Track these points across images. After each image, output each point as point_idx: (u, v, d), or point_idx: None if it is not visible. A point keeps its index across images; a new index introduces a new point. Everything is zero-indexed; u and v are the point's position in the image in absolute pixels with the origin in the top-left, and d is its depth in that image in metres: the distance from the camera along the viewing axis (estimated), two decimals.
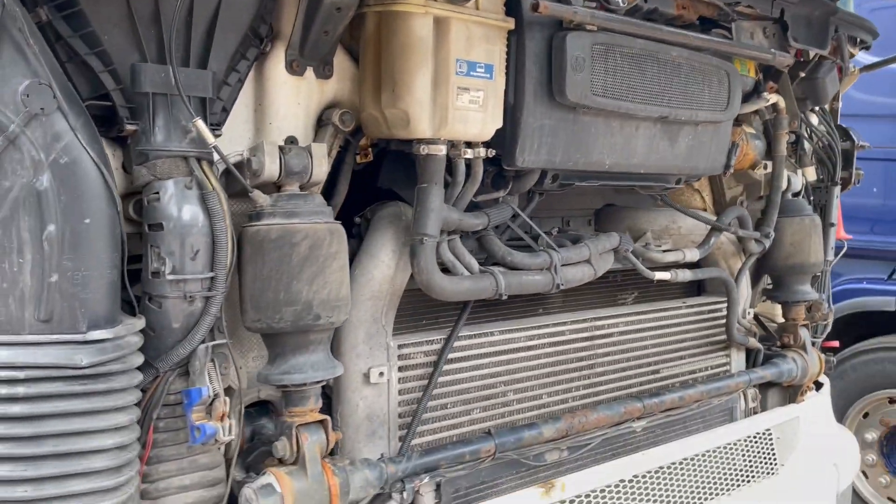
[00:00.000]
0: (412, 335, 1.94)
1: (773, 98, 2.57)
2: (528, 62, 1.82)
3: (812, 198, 3.06)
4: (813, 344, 2.94)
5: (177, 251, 1.44)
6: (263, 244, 1.52)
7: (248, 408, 1.71)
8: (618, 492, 2.20)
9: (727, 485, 2.53)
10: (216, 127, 1.55)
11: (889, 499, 4.31)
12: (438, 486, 1.88)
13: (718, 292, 2.75)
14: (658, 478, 2.32)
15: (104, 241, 1.34)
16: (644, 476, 2.28)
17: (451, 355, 1.96)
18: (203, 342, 1.49)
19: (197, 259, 1.46)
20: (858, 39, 2.86)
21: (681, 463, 2.40)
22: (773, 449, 2.75)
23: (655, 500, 2.30)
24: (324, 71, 1.77)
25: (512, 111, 1.84)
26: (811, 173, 3.01)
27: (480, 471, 1.97)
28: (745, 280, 2.74)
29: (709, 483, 2.48)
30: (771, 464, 2.73)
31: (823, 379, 3.09)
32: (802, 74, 2.75)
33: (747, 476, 2.61)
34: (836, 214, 3.13)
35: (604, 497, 2.16)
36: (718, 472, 2.52)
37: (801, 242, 2.77)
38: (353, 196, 1.91)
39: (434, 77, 1.70)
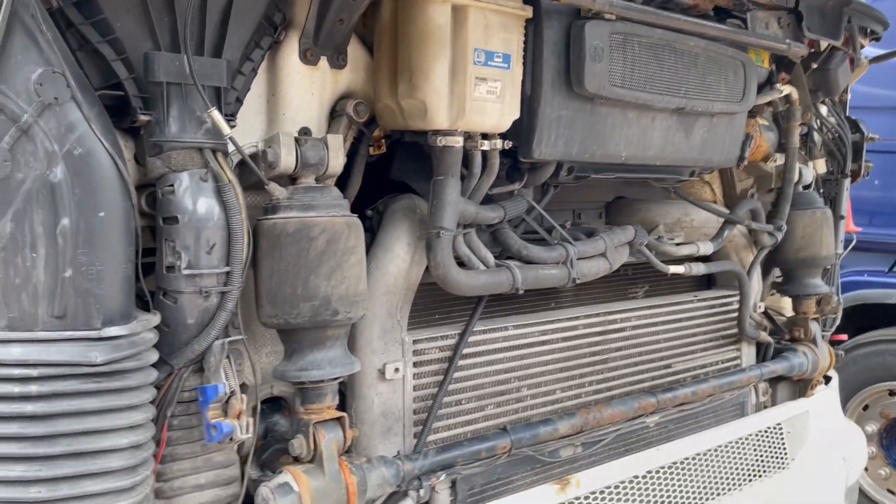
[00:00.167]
0: (426, 330, 1.91)
1: (787, 89, 2.54)
2: (545, 52, 1.79)
3: (822, 190, 3.03)
4: (822, 337, 2.92)
5: (192, 245, 1.41)
6: (280, 238, 1.49)
7: (261, 404, 1.68)
8: (632, 488, 2.18)
9: (739, 480, 2.52)
10: (230, 117, 1.51)
11: (889, 490, 4.31)
12: (454, 483, 1.85)
13: (729, 286, 2.73)
14: (671, 473, 2.30)
15: (119, 235, 1.30)
16: (657, 471, 2.26)
17: (465, 350, 1.93)
18: (218, 338, 1.45)
19: (213, 253, 1.42)
20: (869, 30, 2.83)
21: (693, 458, 2.38)
22: (783, 443, 2.74)
23: (669, 496, 2.28)
24: (338, 60, 1.73)
25: (529, 102, 1.81)
26: (822, 165, 2.99)
27: (495, 467, 1.94)
28: (757, 273, 2.71)
29: (721, 478, 2.46)
30: (781, 458, 2.71)
31: (832, 372, 3.08)
32: (814, 65, 2.72)
33: (758, 471, 2.60)
34: (845, 207, 3.11)
35: (618, 493, 2.14)
36: (730, 467, 2.50)
37: (813, 235, 2.75)
38: (362, 188, 1.87)
39: (452, 67, 1.66)
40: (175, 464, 1.49)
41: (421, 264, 1.83)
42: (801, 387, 2.91)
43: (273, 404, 1.75)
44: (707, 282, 2.77)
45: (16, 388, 1.24)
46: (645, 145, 2.04)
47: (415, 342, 1.85)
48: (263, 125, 1.67)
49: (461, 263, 1.80)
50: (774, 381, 2.84)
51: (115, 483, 1.31)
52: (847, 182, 3.07)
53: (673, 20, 1.95)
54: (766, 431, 2.67)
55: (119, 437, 1.31)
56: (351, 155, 1.80)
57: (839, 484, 2.90)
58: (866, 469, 4.28)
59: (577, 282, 1.98)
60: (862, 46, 2.87)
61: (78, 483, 1.27)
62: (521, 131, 1.82)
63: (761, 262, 2.72)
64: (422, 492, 1.74)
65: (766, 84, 2.50)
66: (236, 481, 1.57)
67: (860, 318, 4.50)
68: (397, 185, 2.00)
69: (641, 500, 2.19)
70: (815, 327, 2.84)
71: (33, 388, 1.24)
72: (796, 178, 2.70)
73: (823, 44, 2.65)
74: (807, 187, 2.88)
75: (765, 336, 2.74)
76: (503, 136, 1.82)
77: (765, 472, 2.62)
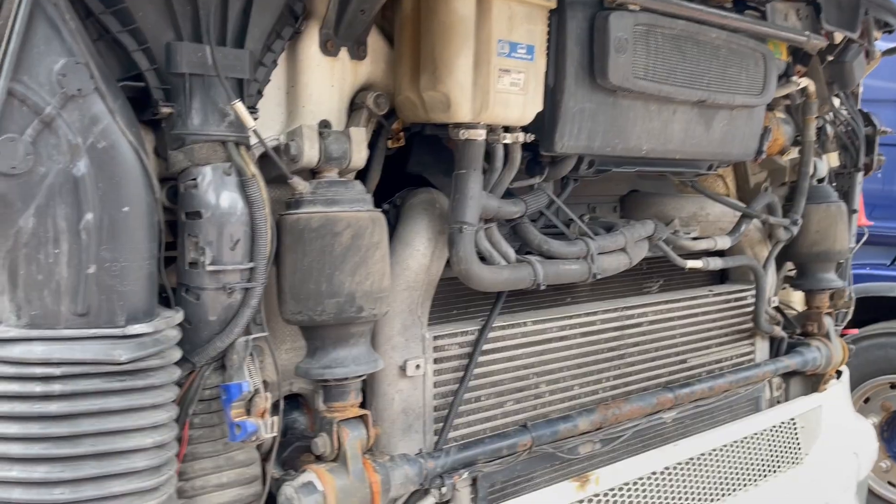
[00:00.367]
0: (445, 326, 1.89)
1: (804, 82, 2.51)
2: (569, 43, 1.76)
3: (834, 184, 3.01)
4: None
5: (215, 241, 1.37)
6: (304, 233, 1.46)
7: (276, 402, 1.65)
8: (650, 484, 2.16)
9: (754, 475, 2.50)
10: (252, 110, 1.48)
11: (889, 483, 4.32)
12: (474, 480, 1.83)
13: (742, 280, 2.71)
14: (688, 469, 2.29)
15: (143, 231, 1.27)
16: (675, 468, 2.24)
17: (484, 346, 1.91)
18: (241, 335, 1.43)
19: (236, 249, 1.39)
20: (883, 22, 2.80)
21: (710, 454, 2.36)
22: (797, 438, 2.72)
23: (686, 493, 2.26)
24: (358, 52, 1.69)
25: (552, 94, 1.78)
26: (834, 159, 2.97)
27: (515, 465, 1.92)
28: (772, 268, 2.69)
29: (737, 474, 2.44)
30: (795, 453, 2.70)
31: (842, 367, 3.07)
32: (830, 58, 2.69)
33: (773, 466, 2.58)
34: (858, 201, 3.09)
35: (636, 489, 2.12)
36: (746, 463, 2.48)
37: (827, 229, 2.73)
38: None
39: (475, 58, 1.63)
40: (196, 462, 1.46)
41: (441, 259, 1.80)
42: (813, 381, 2.90)
43: (291, 402, 1.73)
44: (719, 276, 2.75)
45: (38, 388, 1.21)
46: (666, 138, 2.01)
47: (435, 338, 1.82)
48: (283, 118, 1.63)
49: (482, 258, 1.78)
50: (787, 375, 2.82)
51: (139, 483, 1.28)
52: (860, 176, 3.05)
53: (696, 11, 1.92)
54: (780, 426, 2.66)
55: (143, 436, 1.29)
56: (370, 148, 1.77)
57: (851, 478, 2.89)
58: None
59: (598, 277, 1.95)
60: (875, 39, 2.85)
61: (102, 484, 1.25)
62: (543, 124, 1.79)
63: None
64: (444, 490, 1.72)
65: (783, 77, 2.47)
66: (258, 480, 1.54)
67: (861, 312, 4.50)
68: (412, 178, 1.97)
69: (659, 497, 2.18)
70: (828, 322, 2.83)
71: (56, 388, 1.21)
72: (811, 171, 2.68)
73: (838, 36, 2.62)
74: (820, 181, 2.86)
75: (779, 331, 2.72)
76: (525, 129, 1.79)
77: (779, 467, 2.61)
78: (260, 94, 1.53)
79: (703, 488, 2.31)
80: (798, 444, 2.72)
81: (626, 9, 1.79)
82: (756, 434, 2.54)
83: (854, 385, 4.32)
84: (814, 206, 2.71)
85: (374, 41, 1.73)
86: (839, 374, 3.06)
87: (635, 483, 2.11)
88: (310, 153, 1.50)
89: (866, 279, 4.68)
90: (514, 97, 1.69)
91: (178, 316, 1.35)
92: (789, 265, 2.96)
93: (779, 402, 2.79)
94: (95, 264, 1.22)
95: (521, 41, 1.68)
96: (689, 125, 2.06)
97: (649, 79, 1.86)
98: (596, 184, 2.40)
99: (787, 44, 2.40)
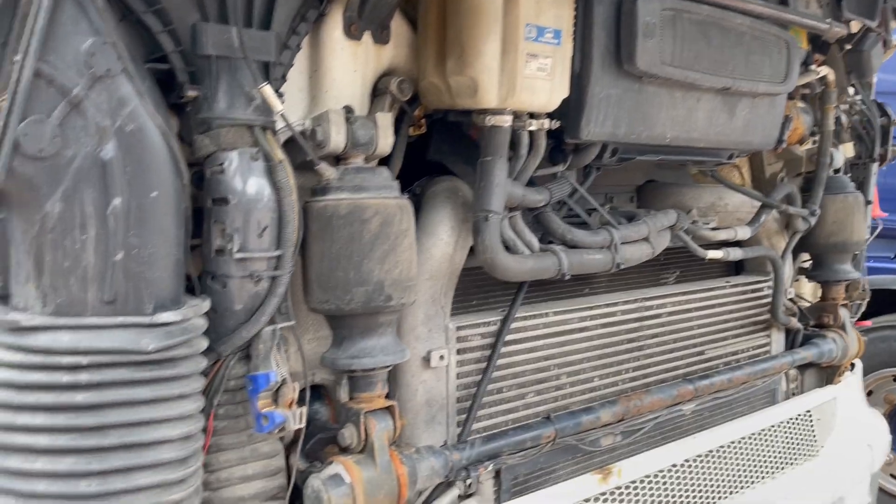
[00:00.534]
0: (467, 316, 1.86)
1: (824, 71, 2.48)
2: (595, 28, 1.72)
3: (849, 174, 2.98)
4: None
5: (242, 227, 1.34)
6: (332, 220, 1.42)
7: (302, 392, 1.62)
8: (670, 476, 2.14)
9: (772, 467, 2.48)
10: (278, 94, 1.44)
11: (892, 475, 4.31)
12: (498, 473, 1.81)
13: (757, 271, 2.68)
14: (707, 461, 2.26)
15: (171, 217, 1.24)
16: (695, 460, 2.22)
17: (506, 337, 1.88)
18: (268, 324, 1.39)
19: (264, 236, 1.35)
20: None
21: (729, 446, 2.34)
22: (813, 431, 2.71)
23: (704, 485, 2.24)
24: (381, 35, 1.65)
25: (578, 80, 1.74)
26: (850, 149, 2.94)
27: (538, 457, 1.89)
28: (789, 258, 2.67)
29: (755, 466, 2.42)
30: (811, 445, 2.68)
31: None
32: (848, 47, 2.67)
33: (791, 458, 2.57)
34: (872, 191, 3.07)
35: (657, 482, 2.10)
36: (764, 455, 2.46)
37: (844, 220, 2.71)
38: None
39: (503, 43, 1.59)
40: (221, 454, 1.44)
41: (464, 248, 1.77)
42: (828, 373, 2.88)
43: (313, 393, 1.69)
44: (734, 267, 2.73)
45: (65, 377, 1.18)
46: (690, 126, 1.98)
47: (458, 329, 1.79)
48: (305, 103, 1.59)
49: (506, 247, 1.74)
50: (802, 367, 2.81)
51: (166, 475, 1.25)
52: (875, 166, 3.03)
53: None
54: (796, 419, 2.64)
55: (170, 427, 1.26)
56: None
57: (864, 471, 2.88)
58: None
59: (622, 267, 1.93)
60: (893, 28, 2.82)
61: (129, 476, 1.22)
62: (568, 111, 1.76)
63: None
64: (469, 482, 1.69)
65: (804, 65, 2.44)
66: (281, 472, 1.52)
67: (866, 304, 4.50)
68: (431, 166, 1.94)
69: (680, 489, 2.15)
70: (844, 313, 2.81)
71: (83, 377, 1.18)
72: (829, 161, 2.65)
73: (856, 25, 2.59)
74: (836, 171, 2.83)
75: (795, 322, 2.70)
76: (550, 115, 1.75)
77: (796, 459, 2.59)
78: (284, 78, 1.49)
79: (722, 481, 2.29)
80: (814, 436, 2.70)
81: None
82: (773, 426, 2.52)
83: None
84: (831, 196, 2.69)
85: (397, 25, 1.70)
86: (852, 366, 3.05)
87: (656, 475, 2.09)
88: (336, 139, 1.47)
89: (870, 272, 4.67)
90: (541, 83, 1.66)
91: (205, 304, 1.32)
92: (803, 256, 2.94)
93: (794, 395, 2.77)
94: (123, 250, 1.19)
95: (549, 25, 1.65)
96: (713, 113, 2.03)
97: (675, 65, 1.83)
98: (613, 174, 2.37)
99: (808, 31, 2.37)
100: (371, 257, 1.43)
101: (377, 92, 1.68)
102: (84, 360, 1.18)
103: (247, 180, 1.34)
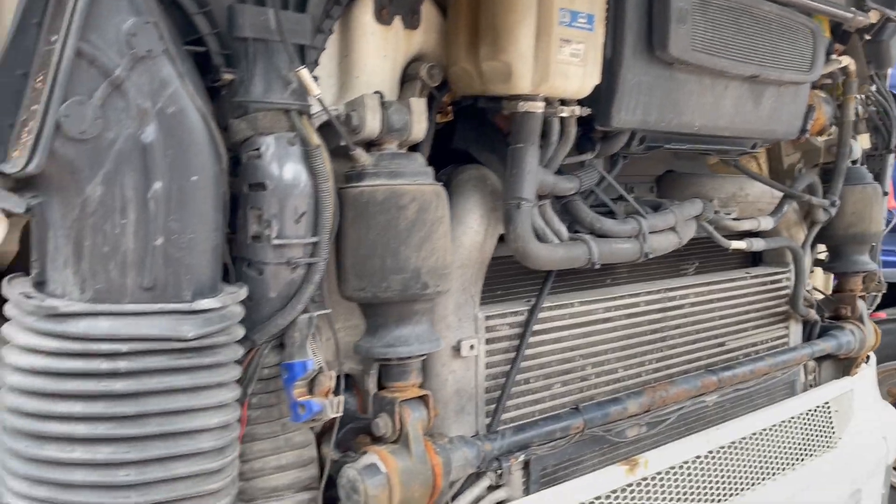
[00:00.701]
0: (495, 306, 1.84)
1: (846, 60, 2.47)
2: (628, 13, 1.70)
3: (865, 165, 2.97)
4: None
5: (279, 213, 1.32)
6: (368, 207, 1.40)
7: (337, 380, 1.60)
8: (695, 467, 2.13)
9: (792, 459, 2.47)
10: (314, 78, 1.41)
11: (894, 468, 4.31)
12: (527, 464, 1.79)
13: (776, 262, 2.67)
14: (730, 452, 2.25)
15: (210, 201, 1.21)
16: (718, 451, 2.21)
17: (533, 327, 1.86)
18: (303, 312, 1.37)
19: (300, 222, 1.33)
20: None
21: (751, 437, 2.33)
22: (831, 422, 2.70)
23: (727, 476, 2.23)
24: (412, 20, 1.63)
25: (609, 66, 1.72)
26: (866, 140, 2.92)
27: (566, 448, 1.88)
28: (808, 250, 2.66)
29: (775, 457, 2.41)
30: (829, 437, 2.68)
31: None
32: (868, 37, 2.65)
33: (810, 449, 2.56)
34: (888, 183, 3.05)
35: (682, 473, 2.08)
36: (784, 446, 2.46)
37: (863, 211, 2.70)
38: None
39: (537, 27, 1.57)
40: (255, 444, 1.41)
41: (494, 237, 1.75)
42: (844, 365, 2.87)
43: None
44: (753, 258, 2.71)
45: (104, 365, 1.15)
46: (717, 114, 1.97)
47: (487, 318, 1.77)
48: (335, 88, 1.57)
49: (536, 236, 1.72)
50: (819, 359, 2.80)
51: (204, 465, 1.23)
52: (891, 157, 3.01)
53: None
54: (815, 410, 2.63)
55: (209, 416, 1.23)
56: None
57: (881, 463, 2.87)
58: None
59: (650, 256, 1.91)
60: None
61: (168, 465, 1.19)
62: (598, 98, 1.74)
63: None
64: (500, 472, 1.68)
65: (827, 55, 2.42)
66: (314, 462, 1.50)
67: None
68: (454, 154, 1.92)
69: (703, 480, 2.14)
70: (861, 305, 2.80)
71: (122, 365, 1.16)
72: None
73: (876, 15, 2.58)
74: (854, 162, 2.82)
75: (813, 314, 2.68)
76: (580, 102, 1.73)
77: (815, 451, 2.58)
78: (317, 62, 1.47)
79: (745, 472, 2.28)
80: (832, 428, 2.69)
81: None
82: (793, 417, 2.51)
83: None
84: (849, 187, 2.67)
85: (427, 10, 1.67)
86: (868, 357, 3.04)
87: (681, 466, 2.08)
88: (372, 124, 1.45)
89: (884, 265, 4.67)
90: (574, 68, 1.64)
91: (242, 291, 1.29)
92: (818, 248, 2.92)
93: (811, 386, 2.77)
94: (163, 235, 1.16)
95: (582, 10, 1.62)
96: (740, 101, 2.01)
97: (706, 51, 1.81)
98: (632, 164, 2.35)
99: (830, 20, 2.35)
100: (408, 244, 1.41)
101: (406, 77, 1.65)
102: (123, 347, 1.15)
103: (284, 165, 1.32)
